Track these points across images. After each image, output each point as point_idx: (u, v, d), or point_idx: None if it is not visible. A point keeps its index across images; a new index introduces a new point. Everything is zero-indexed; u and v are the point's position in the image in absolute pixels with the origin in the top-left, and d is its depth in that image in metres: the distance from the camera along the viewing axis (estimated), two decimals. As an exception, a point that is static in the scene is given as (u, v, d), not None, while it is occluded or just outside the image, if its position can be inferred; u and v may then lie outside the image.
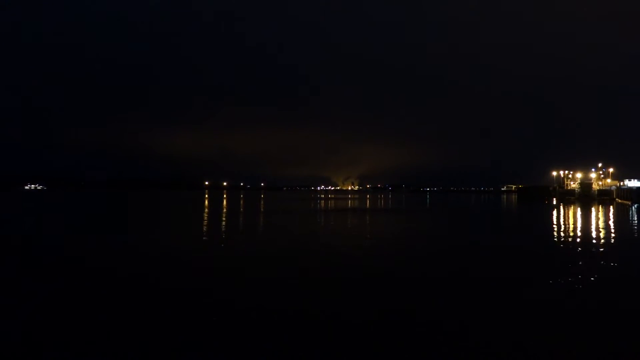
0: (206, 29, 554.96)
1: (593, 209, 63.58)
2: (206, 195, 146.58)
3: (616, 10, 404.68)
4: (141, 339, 8.92)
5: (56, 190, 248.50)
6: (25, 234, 28.35)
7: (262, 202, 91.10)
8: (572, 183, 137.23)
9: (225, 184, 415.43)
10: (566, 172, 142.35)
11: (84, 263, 17.45)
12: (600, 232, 30.80)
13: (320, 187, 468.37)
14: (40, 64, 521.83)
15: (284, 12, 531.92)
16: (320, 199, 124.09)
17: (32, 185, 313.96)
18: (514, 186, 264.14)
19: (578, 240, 25.92)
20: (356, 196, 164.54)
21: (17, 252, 20.59)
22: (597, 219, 44.78)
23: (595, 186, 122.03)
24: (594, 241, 25.16)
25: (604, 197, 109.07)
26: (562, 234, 29.68)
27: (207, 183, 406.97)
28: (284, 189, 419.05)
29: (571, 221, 39.23)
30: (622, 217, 47.51)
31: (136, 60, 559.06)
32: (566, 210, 59.98)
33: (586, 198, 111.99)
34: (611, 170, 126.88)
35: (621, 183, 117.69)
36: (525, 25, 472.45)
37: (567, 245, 23.49)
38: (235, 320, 10.12)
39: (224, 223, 36.00)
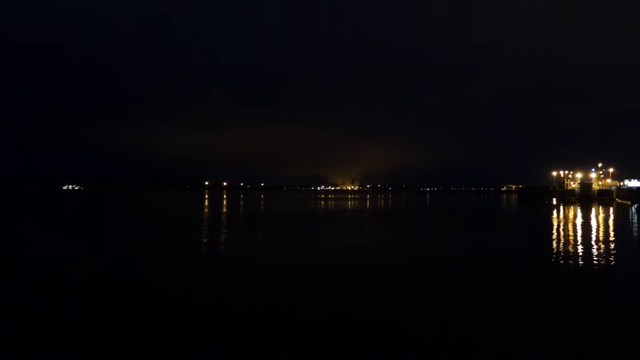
0: (206, 29, 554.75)
1: (593, 209, 63.59)
2: (206, 196, 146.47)
3: (623, 13, 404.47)
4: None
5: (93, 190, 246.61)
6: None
7: (262, 203, 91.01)
8: (572, 183, 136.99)
9: (225, 184, 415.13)
10: (566, 172, 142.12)
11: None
12: (604, 238, 30.73)
13: (320, 186, 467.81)
14: (38, 65, 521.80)
15: (284, 12, 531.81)
16: (321, 199, 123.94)
17: (70, 186, 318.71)
18: (514, 186, 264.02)
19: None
20: (356, 196, 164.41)
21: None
22: (598, 220, 44.75)
23: (595, 186, 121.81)
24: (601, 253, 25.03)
25: (604, 197, 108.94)
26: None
27: (207, 183, 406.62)
28: (284, 189, 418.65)
29: (571, 228, 39.13)
30: (623, 218, 47.54)
31: (137, 60, 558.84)
32: (566, 211, 59.96)
33: (586, 198, 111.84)
34: (611, 170, 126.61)
35: (621, 183, 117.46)
36: (524, 29, 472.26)
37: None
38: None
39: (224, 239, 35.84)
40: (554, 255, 20.81)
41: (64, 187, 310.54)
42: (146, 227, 36.07)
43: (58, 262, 18.38)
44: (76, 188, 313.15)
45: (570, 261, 19.03)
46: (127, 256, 20.31)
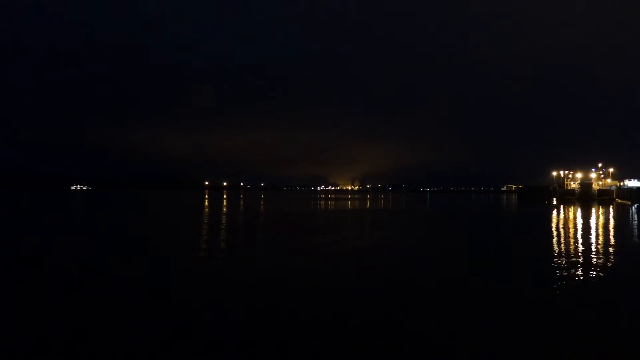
0: (206, 29, 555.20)
1: (593, 209, 63.62)
2: (206, 196, 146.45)
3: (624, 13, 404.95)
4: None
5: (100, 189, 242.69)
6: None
7: (263, 204, 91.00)
8: (572, 183, 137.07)
9: (225, 184, 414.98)
10: (566, 172, 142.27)
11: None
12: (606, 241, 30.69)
13: (320, 186, 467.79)
14: (39, 65, 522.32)
15: (284, 12, 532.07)
16: (321, 199, 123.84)
17: (78, 186, 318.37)
18: (514, 186, 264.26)
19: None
20: (356, 196, 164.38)
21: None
22: (597, 220, 44.78)
23: (595, 186, 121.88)
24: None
25: (604, 197, 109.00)
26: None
27: (207, 183, 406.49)
28: (284, 189, 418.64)
29: (571, 228, 39.10)
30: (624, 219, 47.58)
31: (137, 61, 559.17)
32: (566, 211, 59.98)
33: (586, 198, 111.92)
34: (611, 170, 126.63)
35: (621, 183, 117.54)
36: (523, 28, 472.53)
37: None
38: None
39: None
40: (553, 256, 20.86)
41: (72, 187, 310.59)
42: (148, 228, 36.16)
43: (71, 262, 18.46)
44: (84, 188, 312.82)
45: (569, 261, 19.09)
46: (127, 257, 20.40)
